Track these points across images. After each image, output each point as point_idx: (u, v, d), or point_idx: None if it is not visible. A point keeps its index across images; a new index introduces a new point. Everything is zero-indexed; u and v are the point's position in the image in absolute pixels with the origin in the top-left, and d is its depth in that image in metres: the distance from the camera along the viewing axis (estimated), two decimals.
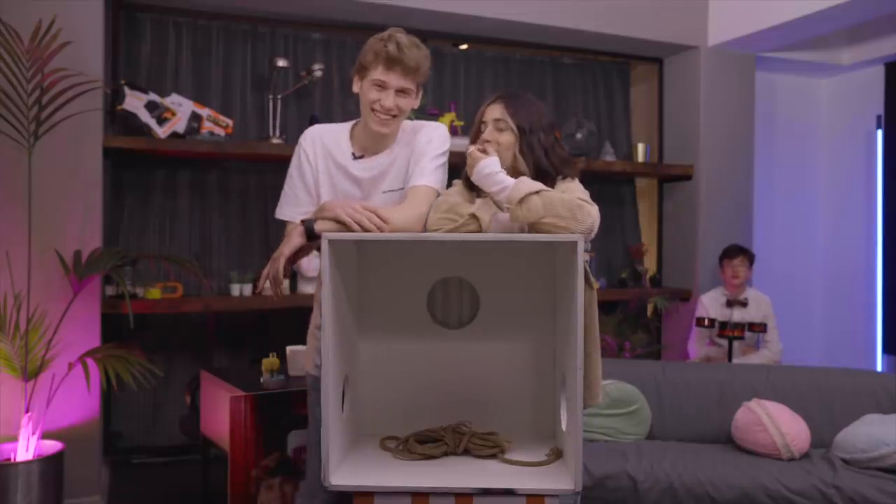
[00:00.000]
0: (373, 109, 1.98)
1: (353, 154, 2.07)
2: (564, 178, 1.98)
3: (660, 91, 5.24)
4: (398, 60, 1.93)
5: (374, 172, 2.06)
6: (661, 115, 5.24)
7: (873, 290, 5.38)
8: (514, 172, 1.97)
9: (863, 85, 5.43)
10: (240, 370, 3.65)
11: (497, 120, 1.97)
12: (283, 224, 2.16)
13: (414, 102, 2.02)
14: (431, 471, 1.73)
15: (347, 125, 2.14)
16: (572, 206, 1.77)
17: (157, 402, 4.21)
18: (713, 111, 4.95)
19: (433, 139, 2.08)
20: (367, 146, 2.07)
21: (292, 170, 2.13)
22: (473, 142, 2.02)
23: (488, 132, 1.97)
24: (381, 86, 1.96)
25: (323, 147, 2.09)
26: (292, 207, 2.12)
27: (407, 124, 2.12)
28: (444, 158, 2.08)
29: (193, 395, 3.80)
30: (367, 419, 1.99)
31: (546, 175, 1.95)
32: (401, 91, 1.97)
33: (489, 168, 1.86)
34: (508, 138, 1.96)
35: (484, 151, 1.94)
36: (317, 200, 2.09)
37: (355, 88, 2.05)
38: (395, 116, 1.99)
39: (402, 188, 2.06)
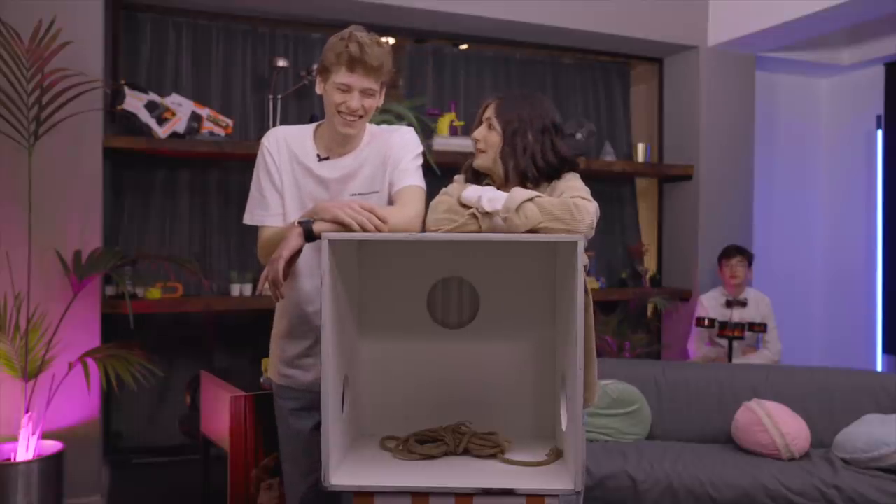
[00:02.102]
0: (339, 111, 1.94)
1: (318, 155, 2.04)
2: (564, 174, 1.98)
3: (660, 91, 5.24)
4: (360, 61, 1.89)
5: (340, 173, 2.03)
6: (661, 115, 5.24)
7: (873, 290, 5.38)
8: (496, 173, 1.98)
9: (863, 85, 5.43)
10: (240, 370, 3.65)
11: (488, 118, 1.99)
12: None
13: (379, 101, 2.00)
14: (431, 471, 1.73)
15: (311, 126, 2.10)
16: (568, 206, 1.76)
17: (157, 402, 4.21)
18: (713, 111, 4.95)
19: (408, 142, 2.06)
20: (332, 147, 2.03)
21: (258, 172, 2.08)
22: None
23: (479, 130, 2.01)
24: (346, 88, 1.92)
25: (287, 148, 2.05)
26: (262, 211, 2.07)
27: (373, 128, 2.09)
28: (421, 160, 2.07)
29: (193, 395, 3.80)
30: (367, 419, 1.99)
31: (532, 180, 1.94)
32: (365, 91, 1.94)
33: (474, 193, 1.85)
34: (494, 138, 1.97)
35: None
36: (283, 201, 2.06)
37: (318, 90, 2.00)
38: (360, 117, 1.96)
39: (374, 192, 2.03)
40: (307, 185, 2.04)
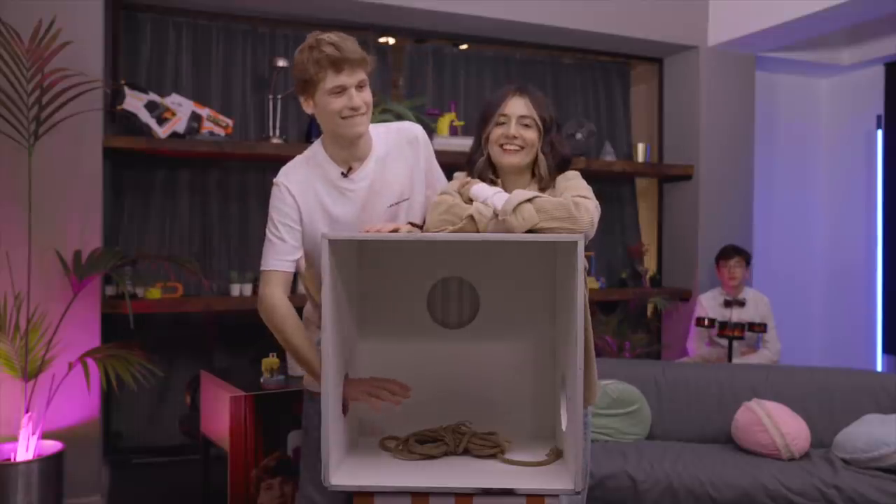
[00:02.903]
0: (342, 117, 1.88)
1: (343, 173, 1.98)
2: (566, 172, 1.97)
3: (660, 91, 5.24)
4: (343, 59, 1.83)
5: (368, 181, 1.98)
6: (661, 115, 5.24)
7: (873, 289, 5.38)
8: (533, 170, 1.96)
9: (863, 85, 5.43)
10: (240, 370, 3.65)
11: (523, 116, 1.92)
12: None
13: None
14: (431, 471, 1.73)
15: (316, 151, 2.01)
16: (566, 206, 1.75)
17: (157, 402, 4.21)
18: (713, 111, 4.95)
19: (427, 142, 2.09)
20: (348, 159, 1.98)
21: (273, 214, 1.96)
22: (487, 135, 1.96)
23: (515, 128, 1.91)
24: (340, 90, 1.86)
25: (306, 180, 1.97)
26: (277, 256, 1.95)
27: (378, 127, 2.04)
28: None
29: (193, 395, 3.80)
30: (367, 419, 1.99)
31: (556, 173, 1.95)
32: (359, 85, 1.88)
33: (482, 193, 1.85)
34: (534, 135, 1.92)
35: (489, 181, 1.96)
36: (302, 240, 1.98)
37: (308, 109, 1.93)
38: (364, 113, 1.91)
39: (404, 200, 2.02)
40: (337, 205, 1.97)
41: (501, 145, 1.93)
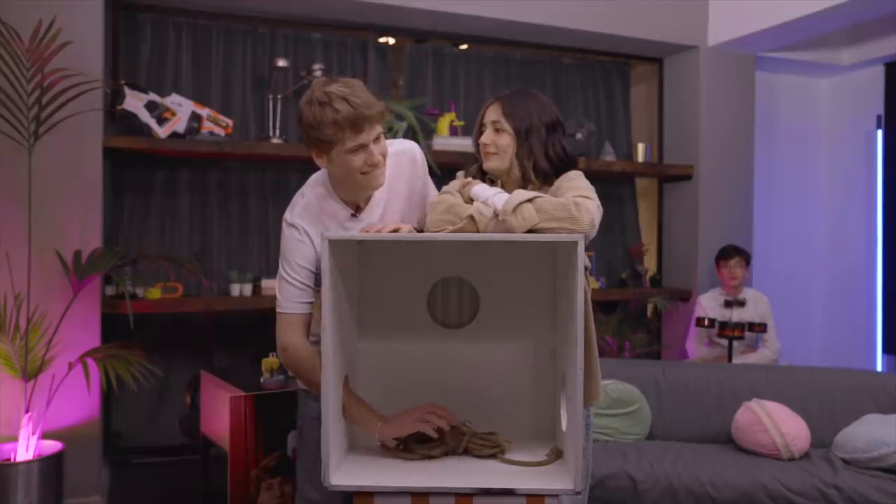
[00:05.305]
0: (363, 173, 1.86)
1: (352, 214, 1.99)
2: (567, 172, 1.96)
3: (660, 91, 5.24)
4: (362, 118, 1.79)
5: (378, 213, 2.01)
6: (661, 115, 5.24)
7: (873, 290, 5.38)
8: (513, 174, 1.97)
9: (863, 85, 5.44)
10: (240, 370, 3.65)
11: (494, 122, 1.96)
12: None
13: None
14: (431, 471, 1.73)
15: (326, 192, 1.98)
16: (567, 206, 1.75)
17: (157, 402, 4.21)
18: (713, 111, 4.95)
19: (423, 159, 2.09)
20: (358, 200, 1.99)
21: (289, 256, 1.94)
22: (475, 144, 2.02)
23: (486, 135, 1.97)
24: (362, 147, 1.83)
25: (318, 220, 1.96)
26: (295, 299, 1.94)
27: None
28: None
29: (193, 395, 3.81)
30: None
31: (546, 176, 1.95)
32: (377, 138, 1.85)
33: (483, 194, 1.86)
34: (506, 140, 1.95)
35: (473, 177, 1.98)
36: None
37: (322, 164, 1.90)
38: (383, 164, 1.90)
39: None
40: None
41: (482, 152, 2.00)
